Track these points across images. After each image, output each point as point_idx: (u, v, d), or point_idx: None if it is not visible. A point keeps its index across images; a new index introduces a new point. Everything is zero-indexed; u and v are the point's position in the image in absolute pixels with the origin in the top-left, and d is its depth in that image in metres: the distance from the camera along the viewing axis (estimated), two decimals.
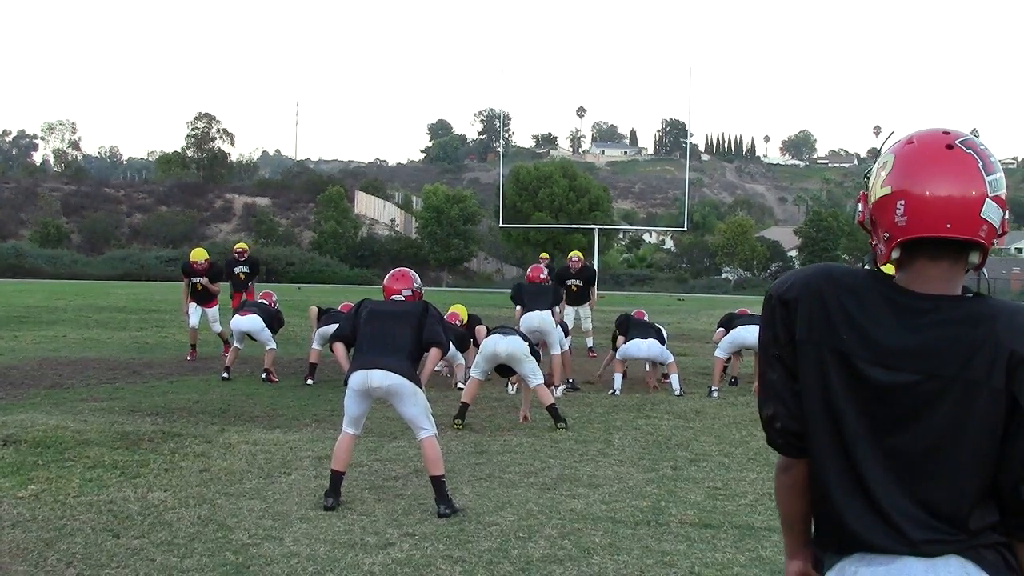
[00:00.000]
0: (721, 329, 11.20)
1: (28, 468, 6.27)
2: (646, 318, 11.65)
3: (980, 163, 1.70)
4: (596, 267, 38.71)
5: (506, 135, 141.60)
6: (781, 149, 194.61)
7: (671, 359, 10.69)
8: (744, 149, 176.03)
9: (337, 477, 5.63)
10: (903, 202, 1.72)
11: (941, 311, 1.70)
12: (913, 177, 1.72)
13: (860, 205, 1.88)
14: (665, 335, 11.32)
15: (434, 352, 5.80)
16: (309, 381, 10.86)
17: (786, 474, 1.91)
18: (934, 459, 1.69)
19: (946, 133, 1.75)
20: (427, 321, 5.80)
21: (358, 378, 5.61)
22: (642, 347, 10.50)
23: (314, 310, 11.49)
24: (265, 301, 11.79)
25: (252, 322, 10.97)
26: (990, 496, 1.69)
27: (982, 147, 1.73)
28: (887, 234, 1.77)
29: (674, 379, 10.61)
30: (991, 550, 1.69)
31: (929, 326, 1.70)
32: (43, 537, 4.83)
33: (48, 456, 6.62)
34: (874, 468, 1.73)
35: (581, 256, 14.76)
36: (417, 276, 6.27)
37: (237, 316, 11.18)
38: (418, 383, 5.66)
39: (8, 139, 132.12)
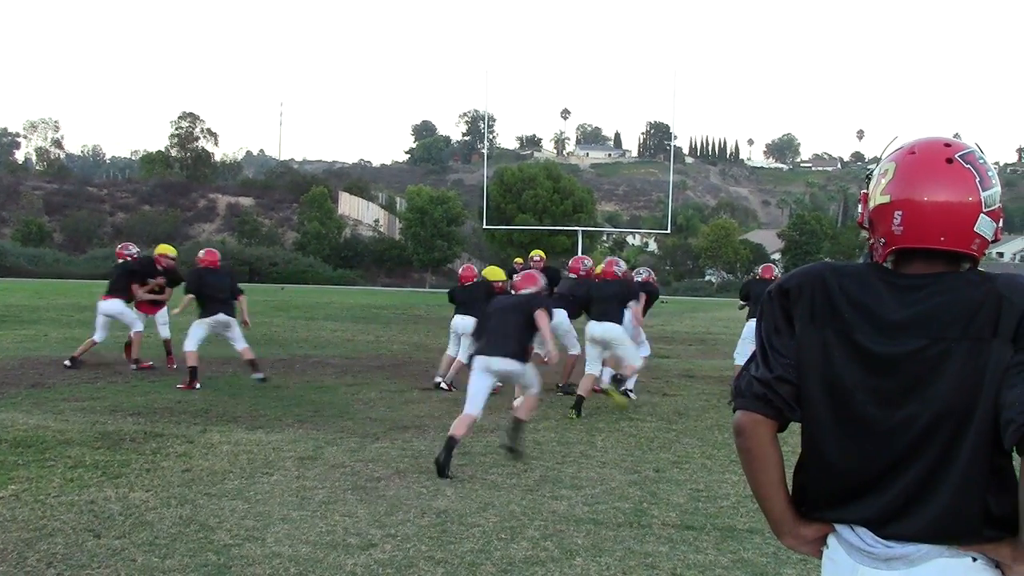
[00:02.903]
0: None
1: (8, 468, 6.22)
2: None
3: (978, 178, 1.74)
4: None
5: (490, 136, 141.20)
6: (765, 152, 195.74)
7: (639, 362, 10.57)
8: (728, 152, 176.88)
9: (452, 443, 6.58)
10: (900, 213, 1.76)
11: (939, 283, 1.75)
12: (912, 189, 1.75)
13: (860, 206, 1.92)
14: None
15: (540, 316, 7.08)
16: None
17: (755, 429, 1.86)
18: (945, 426, 1.69)
19: (947, 145, 1.77)
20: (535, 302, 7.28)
21: (481, 361, 7.00)
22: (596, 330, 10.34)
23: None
24: (120, 259, 11.76)
25: (112, 305, 11.20)
26: (999, 491, 1.69)
27: (981, 161, 1.76)
28: (883, 240, 1.81)
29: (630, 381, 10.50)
30: (985, 558, 1.71)
31: (929, 296, 1.74)
32: (23, 537, 4.80)
33: (28, 456, 6.58)
34: (882, 446, 1.74)
35: (543, 255, 14.78)
36: (543, 276, 7.99)
37: (101, 300, 11.43)
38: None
39: None
